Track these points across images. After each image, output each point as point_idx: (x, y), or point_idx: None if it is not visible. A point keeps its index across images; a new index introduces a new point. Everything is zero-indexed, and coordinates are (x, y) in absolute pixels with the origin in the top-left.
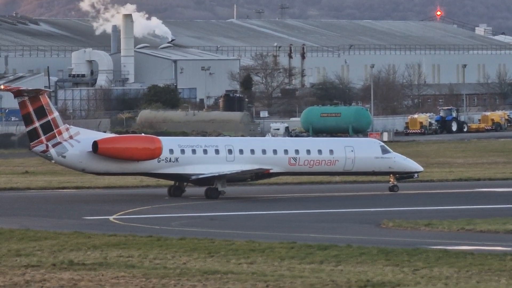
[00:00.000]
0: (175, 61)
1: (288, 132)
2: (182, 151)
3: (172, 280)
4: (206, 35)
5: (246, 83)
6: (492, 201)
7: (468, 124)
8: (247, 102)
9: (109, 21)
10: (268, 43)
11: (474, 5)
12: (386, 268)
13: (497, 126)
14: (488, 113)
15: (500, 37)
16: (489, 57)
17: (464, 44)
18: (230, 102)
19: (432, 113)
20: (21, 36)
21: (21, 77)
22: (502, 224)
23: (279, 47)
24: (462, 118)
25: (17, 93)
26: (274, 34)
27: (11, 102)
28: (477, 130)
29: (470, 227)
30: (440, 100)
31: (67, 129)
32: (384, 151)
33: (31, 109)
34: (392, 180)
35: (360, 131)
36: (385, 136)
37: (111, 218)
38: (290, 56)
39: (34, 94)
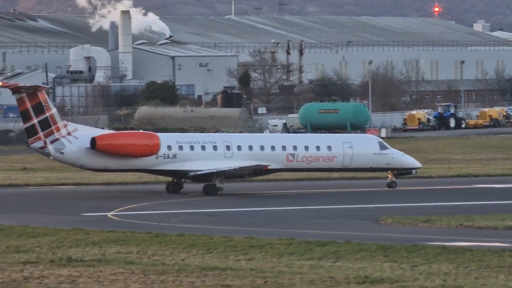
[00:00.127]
0: (173, 58)
1: (286, 129)
2: (180, 148)
3: (171, 277)
4: (204, 32)
5: (244, 79)
6: (491, 197)
7: (466, 120)
8: (245, 98)
9: (106, 17)
10: (266, 39)
11: (473, 1)
12: (384, 264)
13: (495, 122)
14: (486, 109)
15: (498, 33)
16: (487, 53)
17: (462, 40)
18: (228, 98)
19: (430, 109)
20: (19, 32)
21: (19, 73)
22: (501, 220)
23: (277, 43)
24: (460, 114)
25: (15, 90)
26: (272, 31)
27: (9, 99)
28: (475, 126)
29: (469, 223)
30: (438, 96)
31: (65, 126)
32: (382, 147)
33: (29, 105)
34: (390, 176)
35: (358, 127)
36: (383, 133)
37: (109, 214)
38: (288, 53)
39: (32, 91)
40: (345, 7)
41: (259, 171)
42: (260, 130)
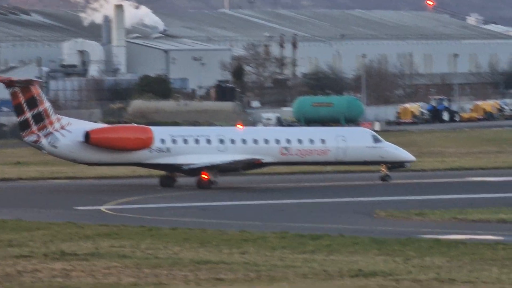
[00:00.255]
0: (166, 51)
1: (280, 122)
2: (174, 141)
3: (164, 270)
4: (198, 25)
5: (238, 73)
6: (484, 190)
7: (460, 114)
8: (239, 92)
9: (99, 11)
10: (260, 33)
11: None
12: (378, 258)
13: (488, 116)
14: (479, 103)
15: (492, 27)
16: (481, 47)
17: (456, 33)
18: (222, 92)
19: (423, 103)
20: (12, 26)
21: (13, 67)
22: (494, 213)
23: (271, 37)
24: (453, 107)
25: (9, 84)
26: (266, 24)
27: (2, 93)
28: (469, 120)
29: (462, 216)
30: (432, 90)
31: (59, 120)
32: (376, 140)
33: (22, 99)
34: (384, 169)
35: (352, 120)
36: (377, 126)
37: (103, 208)
38: (281, 46)
39: (26, 85)
40: (338, 1)
41: (253, 164)
42: (253, 123)
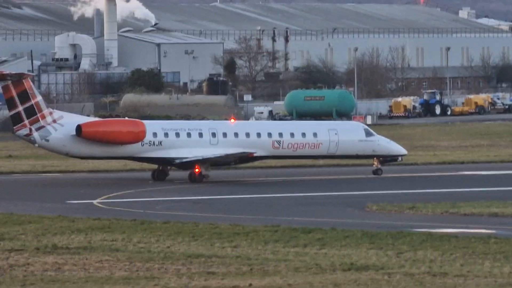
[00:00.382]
0: (158, 45)
1: (272, 116)
2: (166, 135)
3: (156, 264)
4: (190, 19)
5: (230, 66)
6: (476, 184)
7: (452, 107)
8: (231, 86)
9: (89, 4)
10: (252, 26)
11: None
12: (370, 251)
13: (480, 109)
14: (471, 96)
15: (484, 20)
16: (473, 40)
17: (447, 27)
18: (214, 86)
19: (416, 96)
20: (4, 20)
21: (4, 61)
22: (486, 207)
23: (263, 30)
24: (445, 101)
25: (0, 77)
26: (258, 18)
27: None
28: (461, 113)
29: (454, 210)
30: (424, 83)
31: (51, 113)
32: (368, 134)
33: (14, 93)
34: (376, 163)
35: (344, 114)
36: (369, 120)
37: (95, 202)
38: (273, 40)
39: (17, 78)
40: None
41: (245, 158)
42: (246, 117)
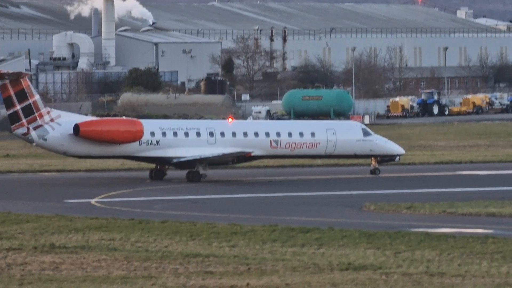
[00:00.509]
0: (156, 44)
1: (270, 115)
2: (164, 134)
3: (154, 263)
4: (188, 18)
5: (228, 66)
6: (474, 184)
7: (450, 107)
8: (229, 85)
9: (86, 4)
10: (250, 26)
11: None
12: (368, 251)
13: (478, 109)
14: (469, 96)
15: (482, 20)
16: (471, 40)
17: (445, 27)
18: (212, 85)
19: (413, 96)
20: (1, 19)
21: (2, 60)
22: (484, 207)
23: (261, 30)
24: (443, 101)
25: None
26: (256, 17)
27: None
28: (459, 113)
29: (452, 210)
30: (422, 83)
31: (48, 112)
32: (366, 133)
33: (12, 92)
34: (373, 163)
35: (342, 114)
36: (367, 119)
37: (92, 201)
38: (271, 39)
39: (15, 77)
40: None
41: (243, 157)
42: (244, 117)
